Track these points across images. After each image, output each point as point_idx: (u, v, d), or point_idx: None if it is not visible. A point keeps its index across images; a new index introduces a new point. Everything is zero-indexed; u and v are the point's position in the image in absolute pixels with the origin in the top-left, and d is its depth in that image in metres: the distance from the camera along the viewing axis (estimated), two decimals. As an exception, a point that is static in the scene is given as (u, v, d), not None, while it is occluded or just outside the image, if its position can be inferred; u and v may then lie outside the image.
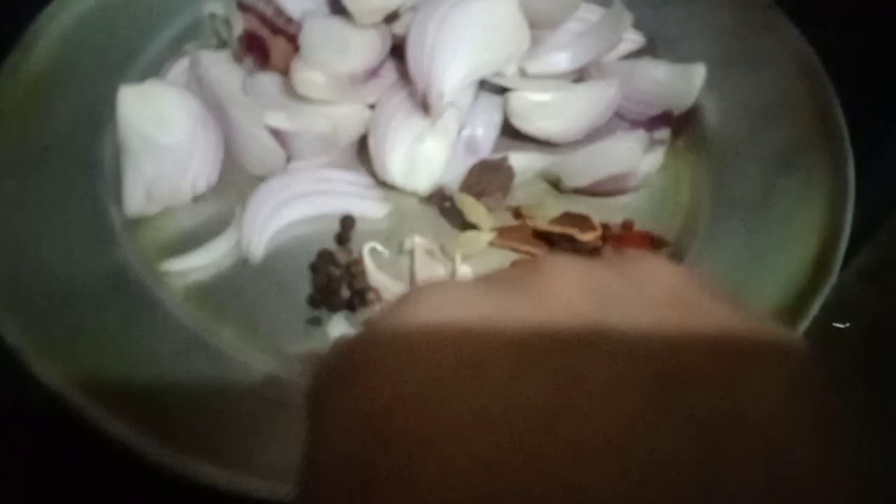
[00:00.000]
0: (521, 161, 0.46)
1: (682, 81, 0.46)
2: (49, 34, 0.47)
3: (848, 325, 0.40)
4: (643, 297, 0.18)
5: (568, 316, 0.17)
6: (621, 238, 0.42)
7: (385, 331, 0.17)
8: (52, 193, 0.42)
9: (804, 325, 0.35)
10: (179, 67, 0.48)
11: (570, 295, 0.17)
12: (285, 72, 0.45)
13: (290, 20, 0.47)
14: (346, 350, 0.17)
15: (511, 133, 0.48)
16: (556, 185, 0.46)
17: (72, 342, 0.37)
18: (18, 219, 0.41)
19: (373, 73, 0.46)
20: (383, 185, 0.46)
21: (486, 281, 0.18)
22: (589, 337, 0.16)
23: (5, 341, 0.35)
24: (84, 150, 0.44)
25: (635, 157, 0.44)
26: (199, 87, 0.46)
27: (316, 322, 0.41)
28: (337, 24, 0.46)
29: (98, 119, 0.44)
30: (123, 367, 0.36)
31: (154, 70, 0.48)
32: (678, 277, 0.19)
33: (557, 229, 0.42)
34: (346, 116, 0.45)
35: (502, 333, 0.16)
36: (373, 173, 0.46)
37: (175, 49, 0.49)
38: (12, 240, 0.39)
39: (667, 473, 0.14)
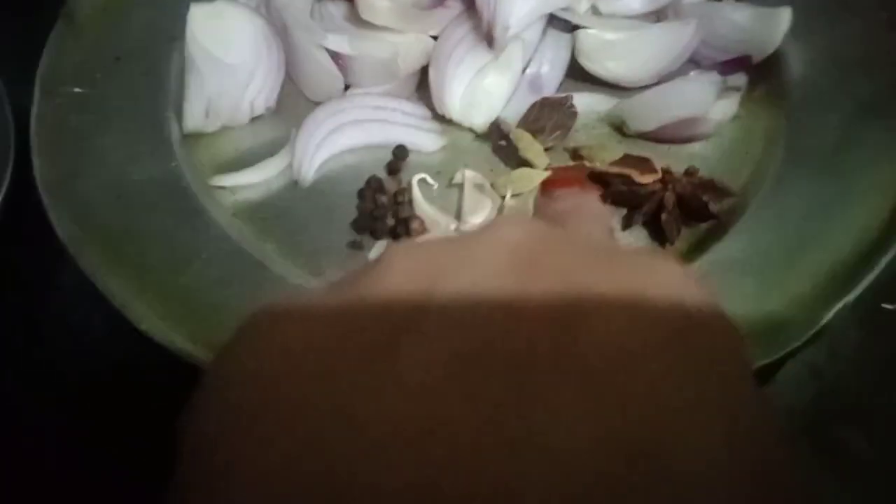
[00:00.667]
0: (586, 102, 0.44)
1: (765, 26, 0.43)
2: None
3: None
4: (475, 268, 0.17)
5: (388, 297, 0.17)
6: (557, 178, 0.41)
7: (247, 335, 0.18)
8: (118, 101, 0.43)
9: (872, 277, 0.32)
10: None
11: (396, 278, 0.17)
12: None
13: (361, -52, 0.47)
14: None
15: (578, 74, 0.46)
16: (620, 128, 0.44)
17: (120, 239, 0.38)
18: (84, 120, 0.42)
19: (438, 2, 0.45)
20: (441, 118, 0.45)
21: (333, 284, 0.19)
22: (405, 317, 0.16)
23: (56, 231, 0.36)
24: (152, 64, 0.45)
25: (707, 100, 0.41)
26: (268, 9, 0.46)
27: (357, 246, 0.40)
28: (409, -49, 0.46)
29: (168, 35, 0.45)
30: (166, 269, 0.37)
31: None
32: (530, 237, 0.18)
33: (615, 170, 0.40)
34: (408, 45, 0.45)
35: (321, 323, 0.17)
36: (431, 105, 0.45)
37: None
38: (75, 139, 0.41)
39: (467, 463, 0.13)
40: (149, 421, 0.27)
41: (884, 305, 0.35)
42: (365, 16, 0.44)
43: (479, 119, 0.44)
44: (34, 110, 0.40)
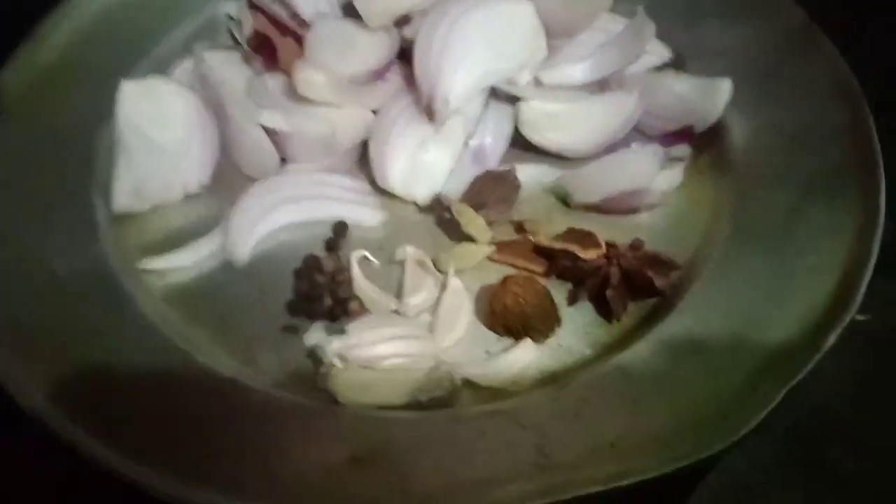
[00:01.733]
0: (530, 173, 0.44)
1: (706, 97, 0.43)
2: (63, 28, 0.47)
3: (869, 316, 0.36)
4: None
5: None
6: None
7: None
8: (42, 184, 0.41)
9: (817, 359, 0.31)
10: (187, 66, 0.48)
11: None
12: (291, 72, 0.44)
13: (302, 22, 0.46)
14: None
15: (521, 145, 0.45)
16: (564, 200, 0.43)
17: (41, 332, 0.35)
18: (3, 209, 0.40)
19: (378, 76, 0.44)
20: (382, 191, 0.44)
21: None
22: None
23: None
24: (81, 145, 0.43)
25: (650, 172, 0.41)
26: (203, 86, 0.45)
27: (292, 330, 0.38)
28: (346, 26, 0.45)
29: (99, 115, 0.44)
30: (89, 363, 0.35)
31: (163, 68, 0.47)
32: None
33: (559, 246, 0.39)
34: (347, 120, 0.44)
35: None
36: (371, 179, 0.44)
37: (187, 48, 0.49)
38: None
39: None
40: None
41: (857, 317, 0.34)
42: (302, 91, 0.43)
43: (422, 192, 0.43)
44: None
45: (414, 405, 0.34)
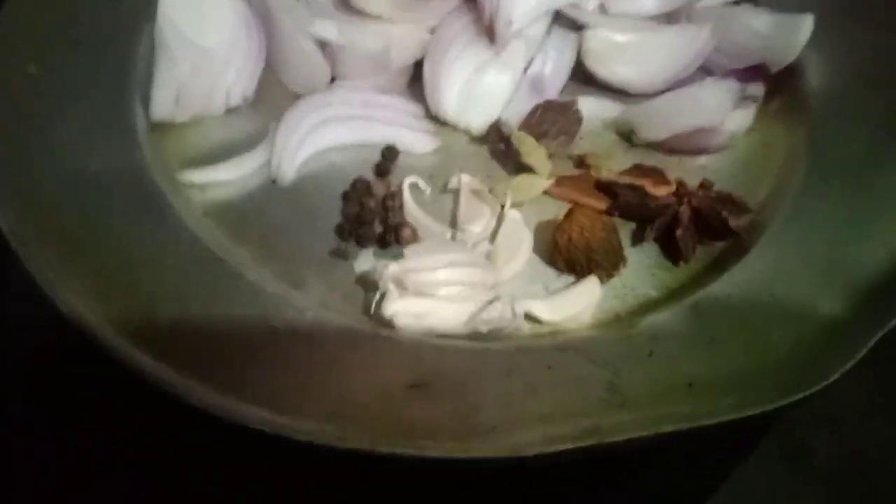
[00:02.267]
0: (591, 107, 0.41)
1: (785, 34, 0.41)
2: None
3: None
4: None
5: None
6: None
7: None
8: (77, 85, 0.39)
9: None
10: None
11: None
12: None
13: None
14: None
15: (583, 77, 0.43)
16: (628, 137, 0.41)
17: (74, 239, 0.33)
18: (38, 105, 0.37)
19: (437, -10, 0.42)
20: (434, 117, 0.41)
21: None
22: None
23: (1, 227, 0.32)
24: (119, 45, 0.41)
25: (722, 110, 0.39)
26: (249, -11, 0.43)
27: (341, 255, 0.36)
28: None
29: (139, 14, 0.41)
30: (125, 272, 0.33)
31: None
32: None
33: (626, 180, 0.37)
34: (402, 37, 0.41)
35: None
36: (424, 103, 0.41)
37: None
38: (27, 125, 0.36)
39: None
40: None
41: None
42: (357, 3, 0.40)
43: (477, 120, 0.41)
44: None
45: (474, 335, 0.33)
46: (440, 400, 0.29)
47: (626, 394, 0.29)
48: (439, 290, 0.33)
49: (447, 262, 0.34)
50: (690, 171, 0.40)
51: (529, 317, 0.34)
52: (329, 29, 0.40)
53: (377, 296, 0.33)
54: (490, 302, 0.33)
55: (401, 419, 0.29)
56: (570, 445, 0.27)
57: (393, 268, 0.33)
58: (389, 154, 0.40)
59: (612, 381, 0.29)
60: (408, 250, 0.35)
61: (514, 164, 0.39)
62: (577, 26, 0.42)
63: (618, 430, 0.28)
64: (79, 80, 0.39)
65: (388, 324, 0.33)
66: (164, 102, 0.39)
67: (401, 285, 0.33)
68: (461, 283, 0.33)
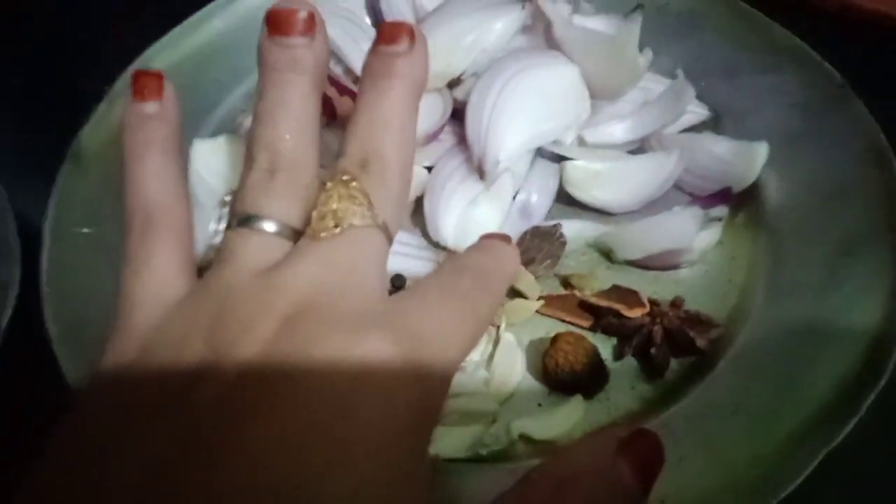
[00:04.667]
0: (574, 229, 0.46)
1: (743, 159, 0.46)
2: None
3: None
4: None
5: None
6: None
7: None
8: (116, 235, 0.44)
9: (853, 422, 0.34)
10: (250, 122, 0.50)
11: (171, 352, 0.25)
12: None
13: (356, 79, 0.49)
14: None
15: (565, 200, 0.48)
16: (607, 255, 0.46)
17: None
18: (95, 260, 0.43)
19: (433, 136, 0.47)
20: (435, 245, 0.47)
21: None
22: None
23: (68, 382, 0.37)
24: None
25: (690, 233, 0.43)
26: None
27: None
28: (401, 87, 0.48)
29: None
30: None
31: (228, 125, 0.51)
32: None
33: (605, 303, 0.42)
34: (404, 178, 0.47)
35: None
36: (426, 234, 0.47)
37: (249, 103, 0.52)
38: (87, 281, 0.42)
39: None
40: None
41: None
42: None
43: (473, 247, 0.46)
44: (44, 256, 0.42)
45: (474, 458, 0.37)
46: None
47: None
48: (444, 419, 0.38)
49: (451, 392, 0.39)
50: (665, 283, 0.44)
51: (524, 436, 0.38)
52: (339, 179, 0.45)
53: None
54: (489, 425, 0.38)
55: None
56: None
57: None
58: (398, 282, 0.45)
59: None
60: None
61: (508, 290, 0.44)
62: (557, 157, 0.48)
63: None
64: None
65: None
66: (200, 245, 0.45)
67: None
68: (463, 411, 0.38)
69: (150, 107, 0.32)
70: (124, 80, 0.50)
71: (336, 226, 0.27)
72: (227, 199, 0.39)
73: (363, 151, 0.29)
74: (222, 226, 0.34)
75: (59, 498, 0.21)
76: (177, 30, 0.52)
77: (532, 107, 0.46)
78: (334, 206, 0.27)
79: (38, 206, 0.44)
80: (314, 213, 0.27)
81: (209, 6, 0.54)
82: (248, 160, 0.30)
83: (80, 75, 0.56)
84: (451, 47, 0.47)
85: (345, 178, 0.28)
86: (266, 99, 0.30)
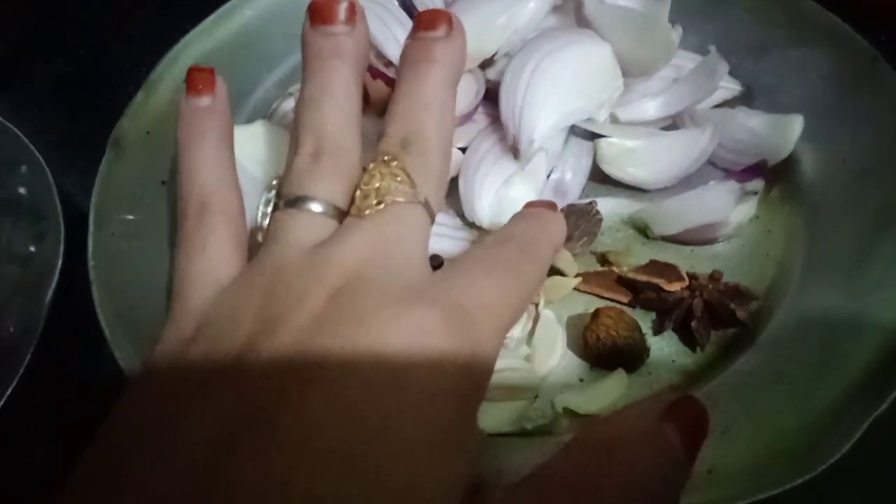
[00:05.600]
0: (610, 206, 0.47)
1: (778, 132, 0.46)
2: (170, 77, 0.51)
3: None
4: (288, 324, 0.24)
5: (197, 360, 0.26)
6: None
7: None
8: (168, 225, 0.45)
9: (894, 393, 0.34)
10: (285, 107, 0.51)
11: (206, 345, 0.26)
12: (383, 114, 0.47)
13: (389, 63, 0.50)
14: None
15: (600, 177, 0.48)
16: (643, 231, 0.46)
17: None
18: (138, 246, 0.44)
19: (467, 117, 0.48)
20: (471, 225, 0.47)
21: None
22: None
23: (119, 365, 0.38)
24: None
25: (726, 207, 0.44)
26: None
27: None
28: (434, 69, 0.48)
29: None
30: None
31: (263, 110, 0.51)
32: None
33: (643, 278, 0.42)
34: (439, 159, 0.47)
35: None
36: (461, 215, 0.47)
37: (282, 90, 0.52)
38: (131, 266, 0.43)
39: None
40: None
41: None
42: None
43: (509, 226, 0.46)
44: (90, 241, 0.43)
45: (519, 433, 0.38)
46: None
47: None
48: (488, 395, 0.39)
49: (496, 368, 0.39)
50: (702, 258, 0.45)
51: (567, 410, 0.39)
52: (369, 156, 0.46)
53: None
54: (532, 400, 0.38)
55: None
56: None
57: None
58: (435, 261, 0.46)
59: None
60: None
61: (545, 267, 0.45)
62: (591, 135, 0.48)
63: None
64: (169, 221, 0.45)
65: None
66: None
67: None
68: (507, 386, 0.39)
69: (204, 100, 0.33)
70: (160, 69, 0.51)
71: (379, 203, 0.27)
72: (275, 182, 0.39)
73: (404, 132, 0.29)
74: (270, 209, 0.35)
75: (125, 462, 0.22)
76: (210, 19, 0.53)
77: (565, 86, 0.46)
78: (377, 184, 0.28)
79: (84, 192, 0.45)
80: (358, 192, 0.28)
81: (240, -5, 0.54)
82: (294, 144, 0.30)
83: (119, 64, 0.58)
84: (484, 28, 0.47)
85: (386, 158, 0.29)
86: (311, 85, 0.31)
